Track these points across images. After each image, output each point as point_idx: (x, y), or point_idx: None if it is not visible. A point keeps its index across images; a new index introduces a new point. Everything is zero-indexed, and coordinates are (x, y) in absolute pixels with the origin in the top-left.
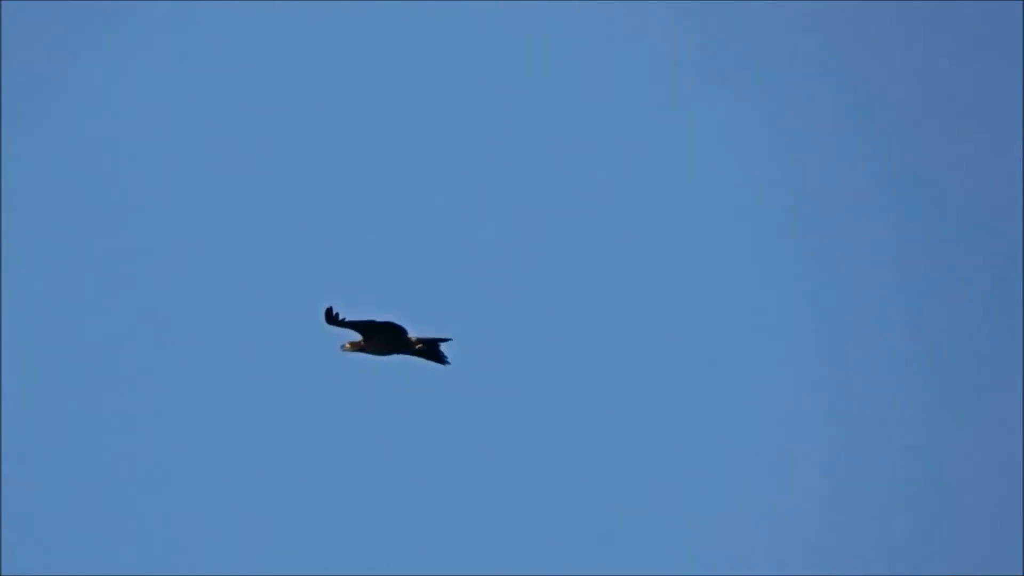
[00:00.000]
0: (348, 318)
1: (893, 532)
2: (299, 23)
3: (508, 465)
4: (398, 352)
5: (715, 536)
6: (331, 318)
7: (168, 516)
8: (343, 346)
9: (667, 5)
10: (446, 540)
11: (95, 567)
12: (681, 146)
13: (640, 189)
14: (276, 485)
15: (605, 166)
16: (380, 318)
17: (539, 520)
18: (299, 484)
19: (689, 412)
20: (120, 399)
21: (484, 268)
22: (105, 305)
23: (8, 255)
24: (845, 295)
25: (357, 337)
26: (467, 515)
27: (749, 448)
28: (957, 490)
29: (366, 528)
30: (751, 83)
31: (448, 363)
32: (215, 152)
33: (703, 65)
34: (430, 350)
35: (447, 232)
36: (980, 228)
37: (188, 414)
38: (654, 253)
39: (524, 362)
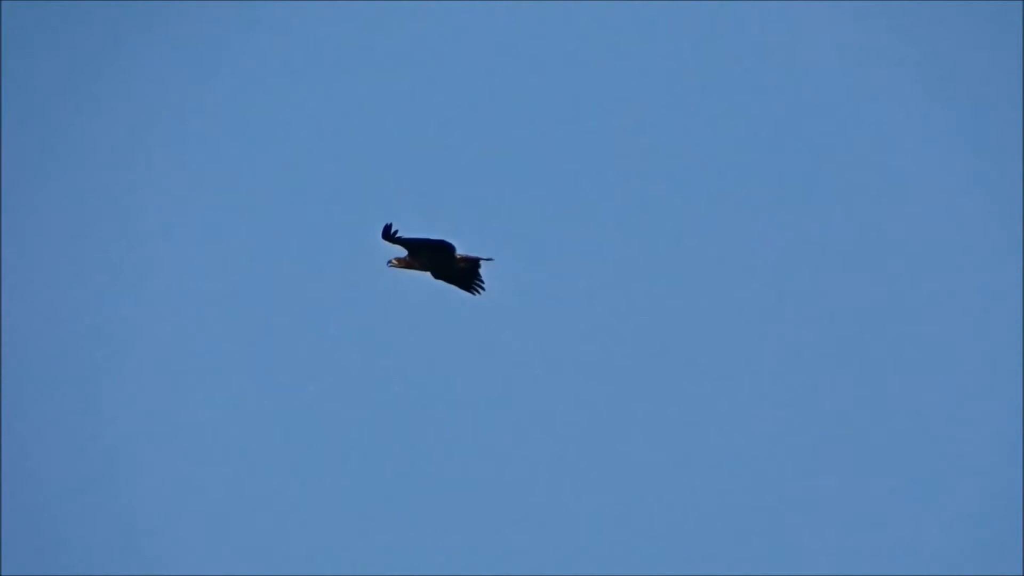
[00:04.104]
0: (403, 236)
1: (893, 532)
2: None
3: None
4: (442, 269)
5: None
6: (388, 234)
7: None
8: (390, 262)
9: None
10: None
11: (98, 567)
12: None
13: None
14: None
15: None
16: (432, 236)
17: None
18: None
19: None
20: (123, 394)
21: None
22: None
23: (8, 255)
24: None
25: (403, 253)
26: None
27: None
28: (957, 490)
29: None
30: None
31: (480, 292)
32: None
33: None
34: (470, 272)
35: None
36: (979, 232)
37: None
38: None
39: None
